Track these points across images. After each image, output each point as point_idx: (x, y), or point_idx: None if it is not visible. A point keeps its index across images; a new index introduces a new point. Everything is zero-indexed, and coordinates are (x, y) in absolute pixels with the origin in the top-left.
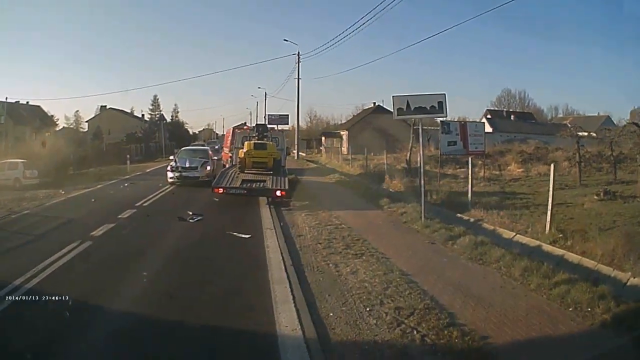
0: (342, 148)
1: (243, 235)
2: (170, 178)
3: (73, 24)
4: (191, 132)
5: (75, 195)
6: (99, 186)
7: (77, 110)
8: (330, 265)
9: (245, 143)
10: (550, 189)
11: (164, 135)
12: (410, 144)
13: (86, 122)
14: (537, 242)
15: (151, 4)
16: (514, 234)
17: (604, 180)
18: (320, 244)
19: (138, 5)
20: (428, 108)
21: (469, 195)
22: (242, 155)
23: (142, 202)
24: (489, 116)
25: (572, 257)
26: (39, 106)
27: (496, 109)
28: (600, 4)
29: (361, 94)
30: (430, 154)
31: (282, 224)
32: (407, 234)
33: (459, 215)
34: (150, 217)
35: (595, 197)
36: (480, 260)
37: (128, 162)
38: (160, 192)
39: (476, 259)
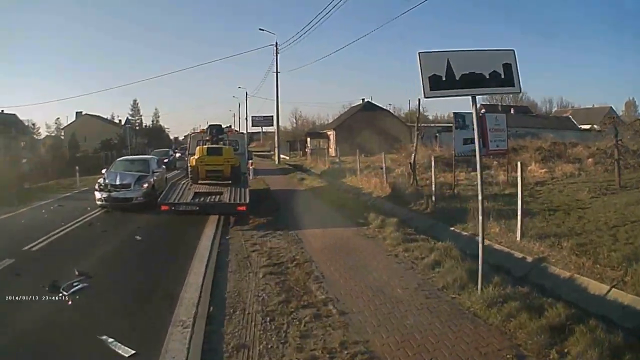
0: (330, 149)
1: (122, 352)
2: (98, 200)
3: (49, 31)
4: (172, 137)
5: None
6: (22, 210)
7: (58, 118)
8: None
9: (197, 148)
10: None
11: (129, 141)
12: (414, 144)
13: (62, 129)
14: None
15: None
16: (608, 287)
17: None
18: None
19: (113, 11)
20: (487, 76)
21: (519, 218)
22: (194, 163)
23: (39, 240)
24: (483, 110)
25: None
26: (14, 114)
27: (488, 102)
28: None
29: (349, 93)
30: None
31: (212, 308)
32: (460, 331)
33: (506, 249)
34: (18, 279)
35: None
36: None
37: (77, 174)
38: (77, 222)
39: None
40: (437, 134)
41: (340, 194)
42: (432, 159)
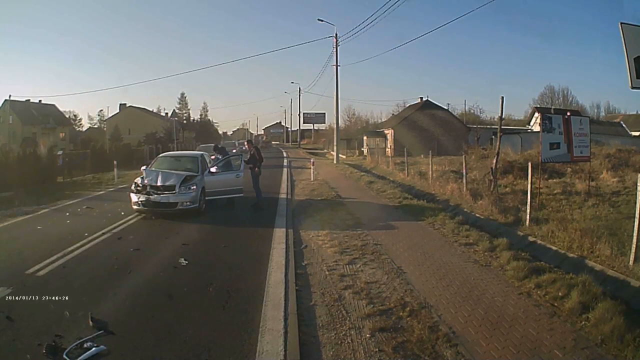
0: (387, 149)
1: None
2: (135, 203)
3: (95, 24)
4: (221, 132)
5: None
6: (42, 211)
7: (101, 110)
8: None
9: None
10: None
11: (175, 134)
12: (497, 147)
13: (104, 121)
14: None
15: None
16: None
17: None
18: None
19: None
20: None
21: (634, 238)
22: None
23: (49, 260)
24: (568, 113)
25: None
26: (53, 105)
27: (539, 106)
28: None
29: (402, 92)
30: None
31: None
32: None
33: (622, 276)
34: (7, 327)
35: None
36: None
37: (115, 169)
38: (104, 234)
39: None
40: (493, 136)
41: (425, 204)
42: (530, 165)
